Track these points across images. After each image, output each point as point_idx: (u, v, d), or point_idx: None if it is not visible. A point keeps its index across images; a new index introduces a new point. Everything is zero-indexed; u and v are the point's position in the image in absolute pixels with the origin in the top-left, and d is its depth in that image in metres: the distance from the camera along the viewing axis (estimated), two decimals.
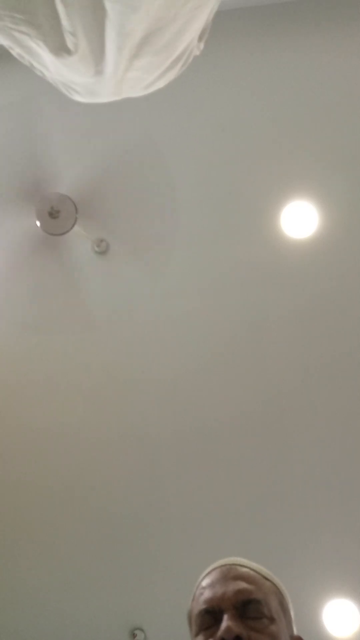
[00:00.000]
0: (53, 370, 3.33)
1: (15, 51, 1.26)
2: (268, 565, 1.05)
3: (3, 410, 3.36)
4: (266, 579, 1.01)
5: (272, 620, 0.94)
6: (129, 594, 3.34)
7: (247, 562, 1.03)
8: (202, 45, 1.38)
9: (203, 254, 3.17)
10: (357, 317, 3.09)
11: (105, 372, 3.30)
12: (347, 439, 3.11)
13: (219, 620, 0.92)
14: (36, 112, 3.16)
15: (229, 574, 0.99)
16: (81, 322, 3.32)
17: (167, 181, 3.15)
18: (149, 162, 3.14)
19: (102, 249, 3.22)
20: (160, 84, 1.39)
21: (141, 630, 3.34)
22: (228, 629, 0.89)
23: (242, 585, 0.96)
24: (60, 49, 1.14)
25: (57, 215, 3.07)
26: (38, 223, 3.11)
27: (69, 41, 1.13)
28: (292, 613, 1.02)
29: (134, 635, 3.34)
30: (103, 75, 1.25)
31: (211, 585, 0.98)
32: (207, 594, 0.97)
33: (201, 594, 0.99)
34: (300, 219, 3.06)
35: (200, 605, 0.97)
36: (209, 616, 0.94)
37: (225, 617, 0.91)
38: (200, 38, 1.34)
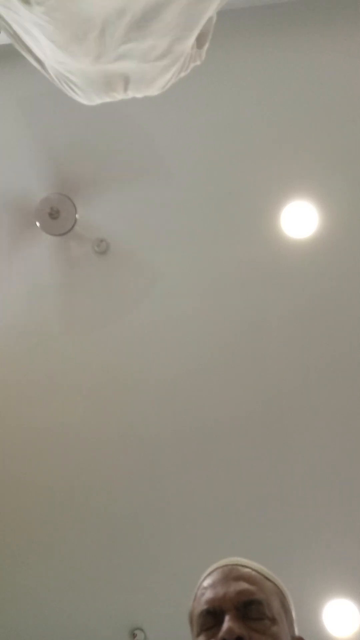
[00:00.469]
0: (53, 370, 3.33)
1: (11, 31, 1.22)
2: (268, 565, 1.04)
3: (3, 410, 3.36)
4: (268, 579, 1.00)
5: (273, 621, 0.93)
6: (129, 594, 3.34)
7: (249, 563, 1.02)
8: (203, 54, 1.35)
9: (203, 254, 3.17)
10: (357, 317, 3.09)
11: (105, 372, 3.29)
12: (347, 439, 3.11)
13: (220, 621, 0.92)
14: (36, 112, 3.16)
15: (231, 575, 0.98)
16: (81, 322, 3.32)
17: (168, 181, 3.15)
18: (149, 162, 3.14)
19: (102, 249, 3.22)
20: (158, 84, 1.36)
21: (141, 630, 3.34)
22: (229, 629, 0.89)
23: (244, 585, 0.95)
24: None
25: (57, 215, 3.08)
26: (38, 223, 3.11)
27: None
28: (293, 614, 1.02)
29: (134, 635, 3.34)
30: (98, 60, 1.20)
31: (212, 585, 0.98)
32: (209, 594, 0.97)
33: (202, 594, 0.98)
34: (300, 219, 3.06)
35: (201, 606, 0.96)
36: (211, 617, 0.94)
37: (227, 617, 0.91)
38: (200, 45, 1.32)
